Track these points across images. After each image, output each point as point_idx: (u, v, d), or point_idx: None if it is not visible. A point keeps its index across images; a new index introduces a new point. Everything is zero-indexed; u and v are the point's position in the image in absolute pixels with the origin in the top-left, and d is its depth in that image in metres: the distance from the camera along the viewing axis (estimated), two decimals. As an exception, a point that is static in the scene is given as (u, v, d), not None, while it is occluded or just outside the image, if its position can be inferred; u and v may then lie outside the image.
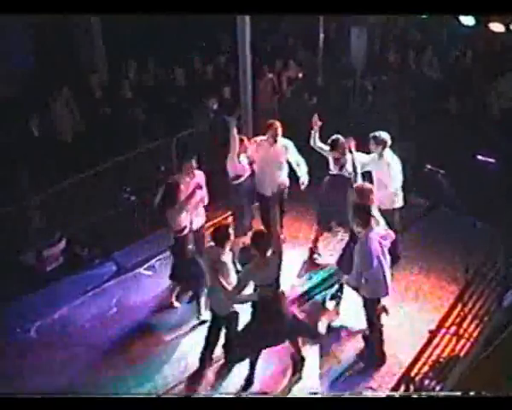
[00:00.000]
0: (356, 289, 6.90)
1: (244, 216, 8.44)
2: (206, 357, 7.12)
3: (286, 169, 8.75)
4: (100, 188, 9.17)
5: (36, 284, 8.54)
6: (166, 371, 7.25)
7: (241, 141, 8.32)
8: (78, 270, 8.91)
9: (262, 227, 7.60)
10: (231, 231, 6.79)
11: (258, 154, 8.57)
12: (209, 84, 12.12)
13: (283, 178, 8.72)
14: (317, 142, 8.36)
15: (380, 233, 6.60)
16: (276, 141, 8.47)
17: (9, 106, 10.54)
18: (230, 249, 6.92)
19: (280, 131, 8.44)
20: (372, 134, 7.99)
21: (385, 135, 7.96)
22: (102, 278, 8.75)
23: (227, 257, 6.74)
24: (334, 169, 8.34)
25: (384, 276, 6.60)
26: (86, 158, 9.75)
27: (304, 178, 8.63)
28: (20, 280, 8.47)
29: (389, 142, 7.96)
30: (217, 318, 6.96)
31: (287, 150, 8.61)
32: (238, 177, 8.33)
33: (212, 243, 6.76)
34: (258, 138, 8.70)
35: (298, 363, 7.02)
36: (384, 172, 7.97)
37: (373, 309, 6.82)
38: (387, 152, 8.01)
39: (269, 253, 6.28)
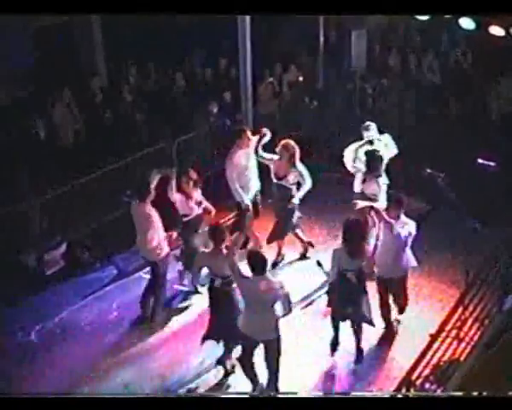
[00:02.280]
0: None
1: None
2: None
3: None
4: (101, 191, 9.18)
5: (37, 287, 8.55)
6: (167, 374, 7.24)
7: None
8: (78, 273, 8.92)
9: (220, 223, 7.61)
10: (267, 256, 6.49)
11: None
12: (209, 87, 12.15)
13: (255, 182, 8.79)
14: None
15: None
16: (248, 146, 8.53)
17: (10, 107, 10.57)
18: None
19: (249, 134, 8.53)
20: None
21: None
22: (103, 282, 8.76)
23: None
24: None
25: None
26: (87, 161, 9.77)
27: None
28: (21, 283, 8.49)
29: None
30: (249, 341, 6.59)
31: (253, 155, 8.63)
32: None
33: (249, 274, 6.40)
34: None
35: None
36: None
37: None
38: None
39: (223, 246, 6.74)
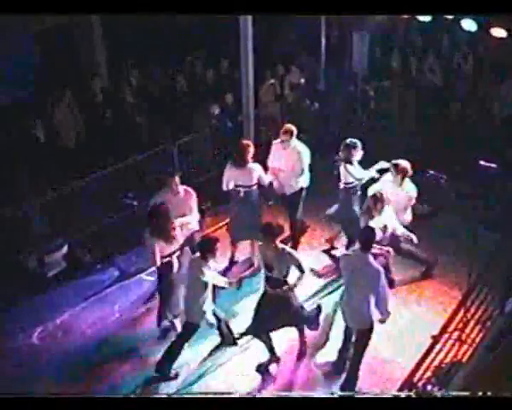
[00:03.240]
0: None
1: None
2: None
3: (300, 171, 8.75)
4: (102, 193, 9.17)
5: (38, 288, 8.53)
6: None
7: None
8: (80, 275, 8.90)
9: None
10: (218, 246, 6.78)
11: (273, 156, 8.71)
12: (211, 89, 12.14)
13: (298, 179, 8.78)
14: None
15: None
16: (289, 144, 8.53)
17: (10, 107, 10.56)
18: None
19: (294, 133, 8.52)
20: (393, 162, 8.03)
21: (406, 164, 7.98)
22: (104, 284, 8.74)
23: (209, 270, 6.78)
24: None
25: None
26: (88, 162, 9.76)
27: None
28: (22, 286, 8.47)
29: (410, 172, 7.99)
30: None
31: (299, 154, 8.63)
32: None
33: (197, 255, 6.80)
34: (275, 141, 8.78)
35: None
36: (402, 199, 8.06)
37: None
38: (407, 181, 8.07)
39: None
